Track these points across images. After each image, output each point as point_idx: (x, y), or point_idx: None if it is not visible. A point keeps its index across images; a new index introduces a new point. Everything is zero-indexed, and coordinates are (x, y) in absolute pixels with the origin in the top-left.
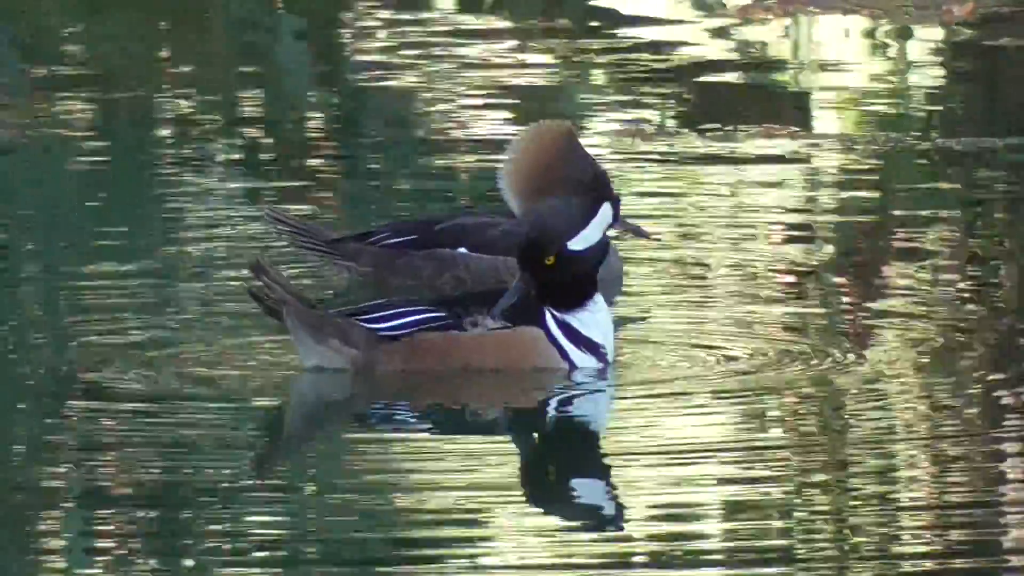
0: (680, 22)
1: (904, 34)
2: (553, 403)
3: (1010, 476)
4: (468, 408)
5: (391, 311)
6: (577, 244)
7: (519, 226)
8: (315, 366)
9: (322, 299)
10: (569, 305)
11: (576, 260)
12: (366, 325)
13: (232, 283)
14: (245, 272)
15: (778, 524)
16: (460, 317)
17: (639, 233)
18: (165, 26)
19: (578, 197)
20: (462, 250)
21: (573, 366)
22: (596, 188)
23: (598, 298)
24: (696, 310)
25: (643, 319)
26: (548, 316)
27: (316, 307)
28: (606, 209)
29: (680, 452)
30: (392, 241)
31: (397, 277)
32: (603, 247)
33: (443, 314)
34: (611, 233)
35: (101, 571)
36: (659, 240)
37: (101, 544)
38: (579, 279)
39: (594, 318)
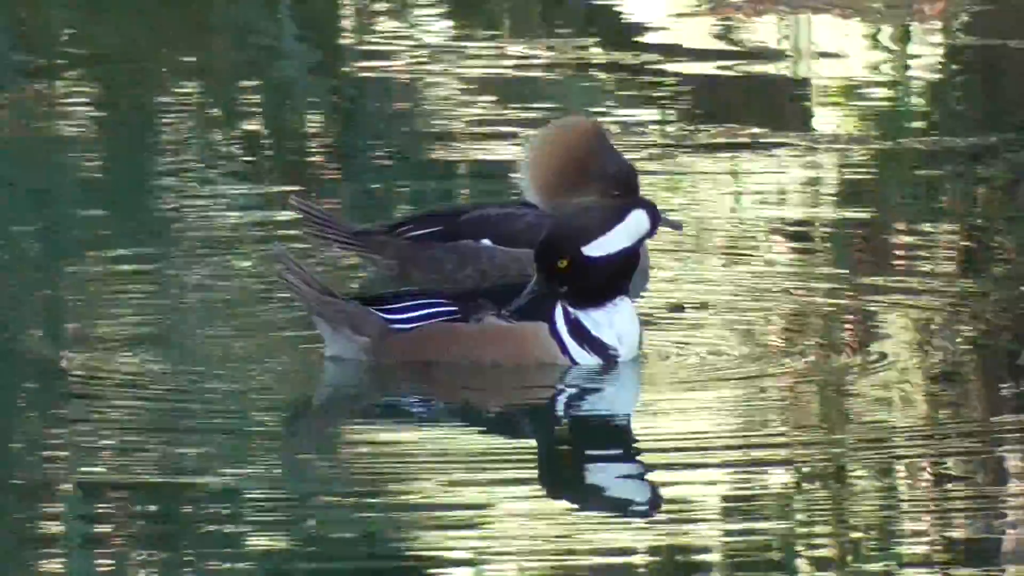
0: (650, 17)
1: (880, 32)
2: (553, 399)
3: (1013, 473)
4: (469, 403)
5: (406, 303)
6: (593, 250)
7: (544, 217)
8: (334, 355)
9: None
10: (585, 304)
11: (591, 266)
12: (380, 315)
13: (231, 277)
14: (261, 261)
15: (779, 523)
16: (469, 311)
17: (674, 226)
18: (165, 22)
19: (606, 201)
20: (486, 242)
21: (574, 363)
22: (626, 189)
23: (621, 300)
24: (696, 308)
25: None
26: (558, 311)
27: (334, 296)
28: (638, 216)
29: (681, 450)
30: (417, 233)
31: (421, 271)
32: (628, 254)
33: (454, 308)
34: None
35: (102, 567)
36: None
37: (102, 538)
38: (599, 283)
39: (609, 318)
